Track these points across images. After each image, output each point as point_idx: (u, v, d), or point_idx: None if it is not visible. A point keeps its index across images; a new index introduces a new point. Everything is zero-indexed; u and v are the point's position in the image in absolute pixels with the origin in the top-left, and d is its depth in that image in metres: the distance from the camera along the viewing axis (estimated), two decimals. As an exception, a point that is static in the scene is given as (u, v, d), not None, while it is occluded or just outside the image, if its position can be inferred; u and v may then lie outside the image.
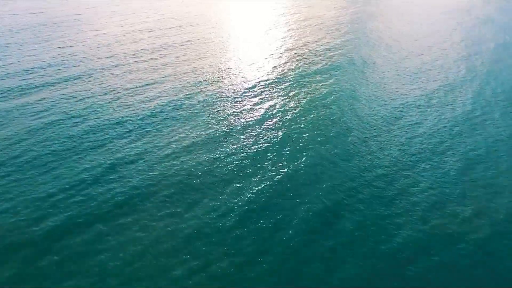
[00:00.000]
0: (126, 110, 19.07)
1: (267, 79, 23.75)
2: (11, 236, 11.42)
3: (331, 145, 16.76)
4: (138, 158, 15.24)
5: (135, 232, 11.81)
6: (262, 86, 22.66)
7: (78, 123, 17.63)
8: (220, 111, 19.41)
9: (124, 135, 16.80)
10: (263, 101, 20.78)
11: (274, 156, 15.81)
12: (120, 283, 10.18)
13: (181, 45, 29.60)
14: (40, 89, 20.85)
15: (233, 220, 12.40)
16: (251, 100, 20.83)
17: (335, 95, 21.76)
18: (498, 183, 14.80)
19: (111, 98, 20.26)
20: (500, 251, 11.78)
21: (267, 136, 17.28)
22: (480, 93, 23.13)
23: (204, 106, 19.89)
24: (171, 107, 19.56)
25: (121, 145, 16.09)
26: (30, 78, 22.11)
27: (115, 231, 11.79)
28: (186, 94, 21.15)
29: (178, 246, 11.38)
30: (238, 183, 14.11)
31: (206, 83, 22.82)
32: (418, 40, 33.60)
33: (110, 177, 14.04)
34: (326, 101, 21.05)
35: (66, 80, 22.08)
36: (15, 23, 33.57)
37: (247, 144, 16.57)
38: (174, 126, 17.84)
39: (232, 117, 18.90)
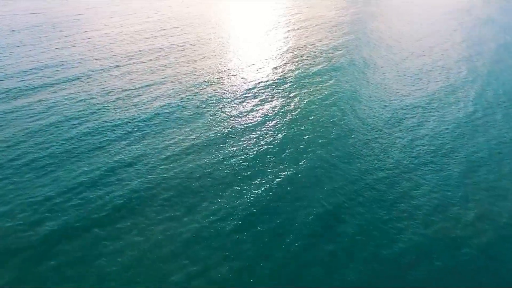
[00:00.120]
0: (125, 111, 18.92)
1: (267, 80, 23.59)
2: (8, 241, 11.27)
3: (331, 147, 16.60)
4: (137, 160, 15.09)
5: (134, 236, 11.65)
6: (262, 88, 22.51)
7: (77, 125, 17.48)
8: (220, 113, 19.26)
9: (123, 137, 16.65)
10: (263, 102, 20.63)
11: (274, 158, 15.65)
12: (117, 289, 10.04)
13: (181, 46, 29.44)
14: (38, 90, 20.70)
15: (233, 224, 12.25)
16: (251, 101, 20.68)
17: (335, 96, 21.60)
18: (501, 186, 14.63)
19: (110, 99, 20.11)
20: (504, 255, 11.62)
21: (267, 138, 17.12)
22: (482, 94, 22.96)
23: (204, 108, 19.74)
24: (170, 109, 19.41)
25: (120, 147, 15.94)
26: (29, 79, 21.96)
27: (113, 236, 11.64)
28: (186, 96, 21.00)
29: (176, 251, 11.23)
30: (238, 186, 13.95)
31: (205, 84, 22.67)
32: (419, 41, 33.43)
33: (109, 180, 13.88)
34: (326, 102, 20.89)
35: (65, 81, 21.93)
36: (14, 23, 33.43)
37: (247, 146, 16.41)
38: (174, 128, 17.68)
39: (232, 119, 18.74)
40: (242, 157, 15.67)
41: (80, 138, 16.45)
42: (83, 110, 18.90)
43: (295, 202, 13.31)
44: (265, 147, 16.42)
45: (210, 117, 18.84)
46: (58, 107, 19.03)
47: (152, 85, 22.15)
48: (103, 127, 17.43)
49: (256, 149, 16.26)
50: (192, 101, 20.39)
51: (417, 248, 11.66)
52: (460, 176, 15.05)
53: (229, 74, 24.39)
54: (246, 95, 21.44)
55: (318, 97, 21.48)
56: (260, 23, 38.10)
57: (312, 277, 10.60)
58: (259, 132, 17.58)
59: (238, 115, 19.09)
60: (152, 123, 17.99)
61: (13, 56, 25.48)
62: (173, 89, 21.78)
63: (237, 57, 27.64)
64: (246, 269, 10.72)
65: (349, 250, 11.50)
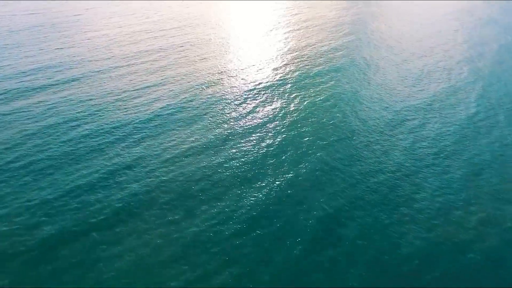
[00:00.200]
0: (124, 113, 18.75)
1: (268, 82, 23.42)
2: (4, 245, 11.10)
3: (332, 149, 16.43)
4: (135, 163, 14.92)
5: (132, 240, 11.49)
6: (262, 89, 22.33)
7: (75, 127, 17.32)
8: (220, 115, 19.08)
9: (122, 140, 16.48)
10: (263, 104, 20.45)
11: (274, 161, 15.47)
12: (115, 295, 9.88)
13: (181, 46, 29.28)
14: (37, 92, 20.53)
15: (233, 228, 12.08)
16: (251, 103, 20.50)
17: (337, 98, 21.42)
18: (504, 189, 14.45)
19: (109, 101, 19.95)
20: (508, 260, 11.44)
21: (267, 140, 16.95)
22: (484, 96, 22.77)
23: (204, 109, 19.57)
24: (170, 110, 19.24)
25: (119, 150, 15.77)
26: (27, 81, 21.79)
27: (112, 240, 11.48)
28: (185, 97, 20.83)
29: (176, 256, 11.06)
30: (238, 189, 13.78)
31: (205, 85, 22.50)
32: (420, 41, 33.25)
33: (107, 184, 13.72)
34: (327, 103, 20.72)
35: (64, 83, 21.76)
36: (13, 24, 33.27)
37: (247, 149, 16.24)
38: (173, 130, 17.51)
39: (232, 120, 18.57)
40: (242, 159, 15.50)
41: (79, 140, 16.29)
42: (81, 111, 18.74)
43: (295, 205, 13.14)
44: (265, 149, 16.25)
45: (209, 119, 18.68)
46: (57, 109, 18.87)
47: (151, 86, 21.98)
48: (102, 129, 17.26)
49: (256, 151, 16.09)
50: (191, 103, 20.22)
51: (419, 253, 11.48)
52: (462, 179, 14.87)
53: (229, 75, 24.22)
54: (246, 96, 21.27)
55: (319, 99, 21.31)
56: (260, 24, 37.92)
57: (312, 283, 10.43)
58: (259, 134, 17.41)
59: (238, 117, 18.92)
60: (151, 125, 17.83)
61: (12, 57, 25.32)
62: (172, 90, 21.62)
63: (237, 58, 27.47)
64: (246, 275, 10.56)
65: (350, 255, 11.33)
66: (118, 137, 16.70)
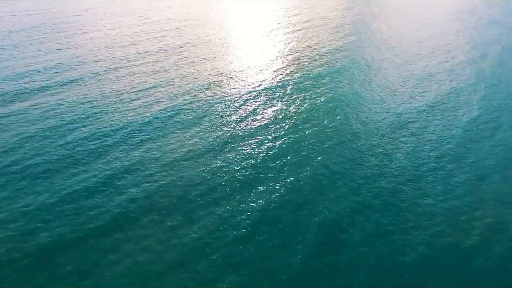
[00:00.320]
0: (123, 116, 18.51)
1: (268, 83, 23.18)
2: (0, 251, 10.86)
3: (334, 153, 16.18)
4: (134, 168, 14.67)
5: (130, 247, 11.24)
6: (263, 91, 22.09)
7: (73, 130, 17.08)
8: (220, 118, 18.84)
9: (121, 143, 16.24)
10: (264, 106, 20.21)
11: (275, 165, 15.22)
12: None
13: (181, 47, 29.04)
14: (34, 94, 20.30)
15: (232, 234, 11.83)
16: (251, 105, 20.26)
17: (338, 100, 21.18)
18: (509, 193, 14.19)
19: (108, 103, 19.71)
20: (514, 268, 11.18)
21: (268, 143, 16.70)
22: (486, 98, 22.52)
23: (203, 112, 19.32)
24: (169, 113, 18.99)
25: (117, 153, 15.52)
26: (25, 82, 21.56)
27: (109, 246, 11.24)
28: (185, 99, 20.58)
29: (174, 263, 10.82)
30: (238, 194, 13.54)
31: (205, 87, 22.26)
32: (421, 42, 33.00)
33: (105, 188, 13.48)
34: (329, 106, 20.47)
35: (62, 85, 21.53)
36: (12, 24, 33.05)
37: (248, 152, 16.00)
38: (172, 133, 17.27)
39: (232, 123, 18.33)
40: (242, 163, 15.25)
41: (77, 144, 16.05)
42: (80, 114, 18.50)
43: (296, 210, 12.89)
44: (266, 152, 16.01)
45: (209, 121, 18.43)
46: (55, 111, 18.63)
47: (151, 88, 21.74)
48: (100, 132, 17.02)
49: (257, 155, 15.84)
50: (191, 105, 19.98)
51: (423, 259, 11.23)
52: (466, 183, 14.62)
53: (229, 76, 23.98)
54: (246, 98, 21.03)
55: (320, 101, 21.06)
56: (261, 24, 37.68)
57: (314, 291, 10.20)
58: (260, 138, 17.16)
59: (238, 120, 18.68)
60: (151, 127, 17.58)
61: (10, 58, 25.08)
62: (172, 92, 21.37)
63: (237, 59, 27.23)
64: (246, 282, 10.31)
65: (352, 262, 11.08)
66: (116, 140, 16.46)
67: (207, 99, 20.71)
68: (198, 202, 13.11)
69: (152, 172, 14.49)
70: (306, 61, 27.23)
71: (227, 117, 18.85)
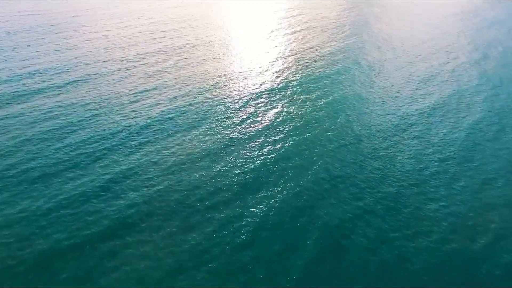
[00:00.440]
0: (122, 118, 18.27)
1: (269, 85, 22.93)
2: (-6, 260, 10.64)
3: (336, 156, 15.92)
4: (133, 172, 14.42)
5: (128, 254, 11.00)
6: (264, 92, 21.84)
7: (71, 133, 16.84)
8: (219, 120, 18.59)
9: (119, 147, 15.99)
10: (265, 108, 19.95)
11: (276, 169, 14.97)
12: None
13: (180, 49, 28.81)
14: (32, 96, 20.06)
15: (232, 241, 11.58)
16: (252, 108, 20.01)
17: (340, 102, 20.92)
18: (514, 198, 13.94)
19: (106, 105, 19.47)
20: (520, 275, 10.92)
21: (269, 147, 16.45)
22: (489, 100, 22.25)
23: (203, 114, 19.08)
24: (169, 116, 18.75)
25: (115, 158, 15.28)
26: (23, 84, 21.33)
27: (107, 253, 10.99)
28: (185, 102, 20.34)
29: (173, 270, 10.57)
30: (238, 199, 13.29)
31: (205, 89, 22.01)
32: (423, 43, 32.74)
33: (103, 193, 13.23)
34: (330, 108, 20.21)
35: (60, 86, 21.29)
36: (11, 25, 32.83)
37: (248, 156, 15.75)
38: (172, 136, 17.02)
39: (232, 126, 18.08)
40: (242, 167, 15.00)
41: (74, 147, 15.81)
42: (78, 117, 18.26)
43: (297, 216, 12.64)
44: (267, 156, 15.76)
45: (209, 124, 18.18)
46: (52, 114, 18.39)
47: (150, 90, 21.50)
48: (98, 135, 16.78)
49: (257, 158, 15.59)
50: (190, 107, 19.73)
51: (427, 267, 10.97)
52: (471, 187, 14.35)
53: (229, 78, 23.74)
54: (246, 100, 20.78)
55: (321, 103, 20.80)
56: (261, 25, 37.44)
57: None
58: (260, 141, 16.91)
59: (238, 122, 18.43)
60: (150, 130, 17.34)
61: (8, 59, 24.85)
62: (171, 94, 21.13)
63: (238, 60, 26.98)
64: (247, 291, 10.07)
65: (355, 269, 10.83)
66: (115, 143, 16.22)
67: (207, 101, 20.46)
68: (197, 207, 12.86)
69: (150, 176, 14.25)
70: (306, 62, 26.98)
71: (227, 120, 18.60)
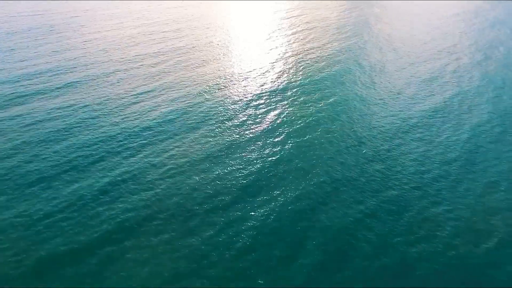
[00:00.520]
0: (121, 122, 18.09)
1: (270, 86, 22.75)
2: (-10, 265, 10.46)
3: (338, 160, 15.73)
4: (132, 175, 14.23)
5: (127, 259, 10.81)
6: (264, 94, 21.66)
7: (69, 136, 16.66)
8: (219, 122, 18.41)
9: (119, 150, 15.82)
10: (266, 110, 19.77)
11: (277, 172, 14.78)
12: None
13: (180, 49, 28.63)
14: (30, 98, 19.89)
15: (231, 247, 11.38)
16: (252, 109, 19.82)
17: (341, 103, 20.73)
18: (518, 202, 13.73)
19: (105, 107, 19.30)
20: (525, 281, 10.72)
21: (269, 150, 16.26)
22: (493, 101, 22.04)
23: (204, 117, 18.89)
24: (169, 118, 18.57)
25: (115, 161, 15.09)
26: (21, 86, 21.16)
27: (107, 259, 10.81)
28: (184, 104, 20.16)
29: (171, 279, 10.38)
30: (239, 203, 13.10)
31: (205, 91, 21.83)
32: (425, 44, 32.53)
33: (102, 197, 13.05)
34: (332, 109, 20.02)
35: (59, 88, 21.12)
36: (11, 25, 32.67)
37: (248, 159, 15.56)
38: (172, 139, 16.84)
39: (232, 128, 17.90)
40: (243, 170, 14.82)
41: (73, 150, 15.63)
42: (76, 120, 18.08)
43: (299, 220, 12.45)
44: (268, 159, 15.57)
45: (209, 126, 18.00)
46: (51, 116, 18.22)
47: (150, 91, 21.33)
48: (98, 137, 16.61)
49: (258, 161, 15.40)
50: (190, 109, 19.55)
51: (431, 274, 10.77)
52: (478, 193, 14.10)
53: (229, 79, 23.56)
54: (246, 102, 20.60)
55: (322, 104, 20.61)
56: (262, 25, 37.27)
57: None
58: (260, 143, 16.73)
59: (239, 124, 18.25)
60: (149, 133, 17.16)
61: (6, 60, 24.69)
62: (171, 96, 20.96)
63: (239, 61, 26.81)
64: (247, 298, 9.89)
65: (358, 276, 10.64)
66: (114, 146, 16.04)
67: (207, 103, 20.28)
68: (197, 210, 12.68)
69: (149, 179, 14.07)
70: (307, 63, 26.80)
71: (227, 122, 18.42)
